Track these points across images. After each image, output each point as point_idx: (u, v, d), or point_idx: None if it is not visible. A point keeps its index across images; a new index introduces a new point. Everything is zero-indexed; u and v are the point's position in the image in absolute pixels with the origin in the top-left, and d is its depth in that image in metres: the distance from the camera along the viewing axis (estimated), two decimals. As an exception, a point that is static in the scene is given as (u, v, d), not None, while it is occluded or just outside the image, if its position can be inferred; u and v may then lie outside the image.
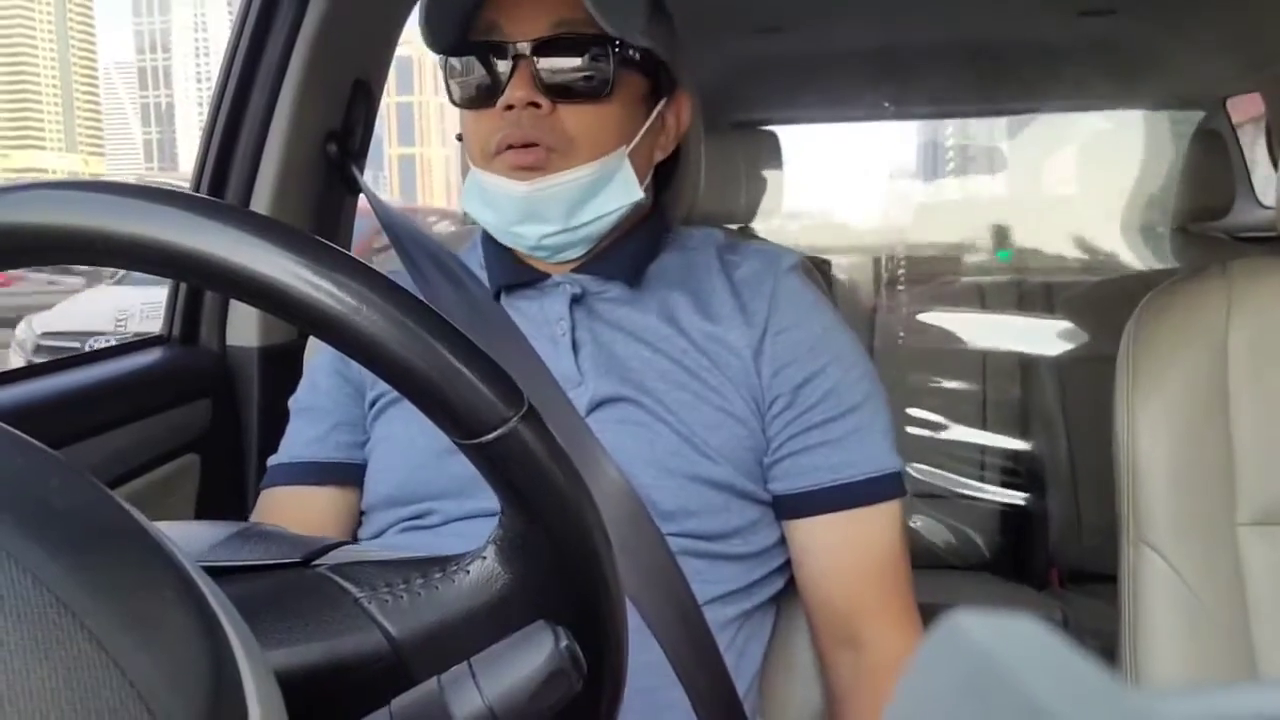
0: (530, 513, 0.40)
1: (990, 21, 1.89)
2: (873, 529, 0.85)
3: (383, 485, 0.86)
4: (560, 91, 0.81)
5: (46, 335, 5.49)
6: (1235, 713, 0.14)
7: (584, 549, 0.41)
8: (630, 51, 0.83)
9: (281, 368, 1.33)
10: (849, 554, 0.85)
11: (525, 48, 0.81)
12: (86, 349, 3.98)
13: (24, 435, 0.32)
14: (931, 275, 2.63)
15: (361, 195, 1.42)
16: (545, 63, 0.81)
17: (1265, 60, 1.97)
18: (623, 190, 0.84)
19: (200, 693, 0.26)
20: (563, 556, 0.41)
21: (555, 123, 0.81)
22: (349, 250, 0.45)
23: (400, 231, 0.95)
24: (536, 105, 0.81)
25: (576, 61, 0.82)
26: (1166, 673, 0.91)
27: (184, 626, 0.28)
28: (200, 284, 0.36)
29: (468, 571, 0.42)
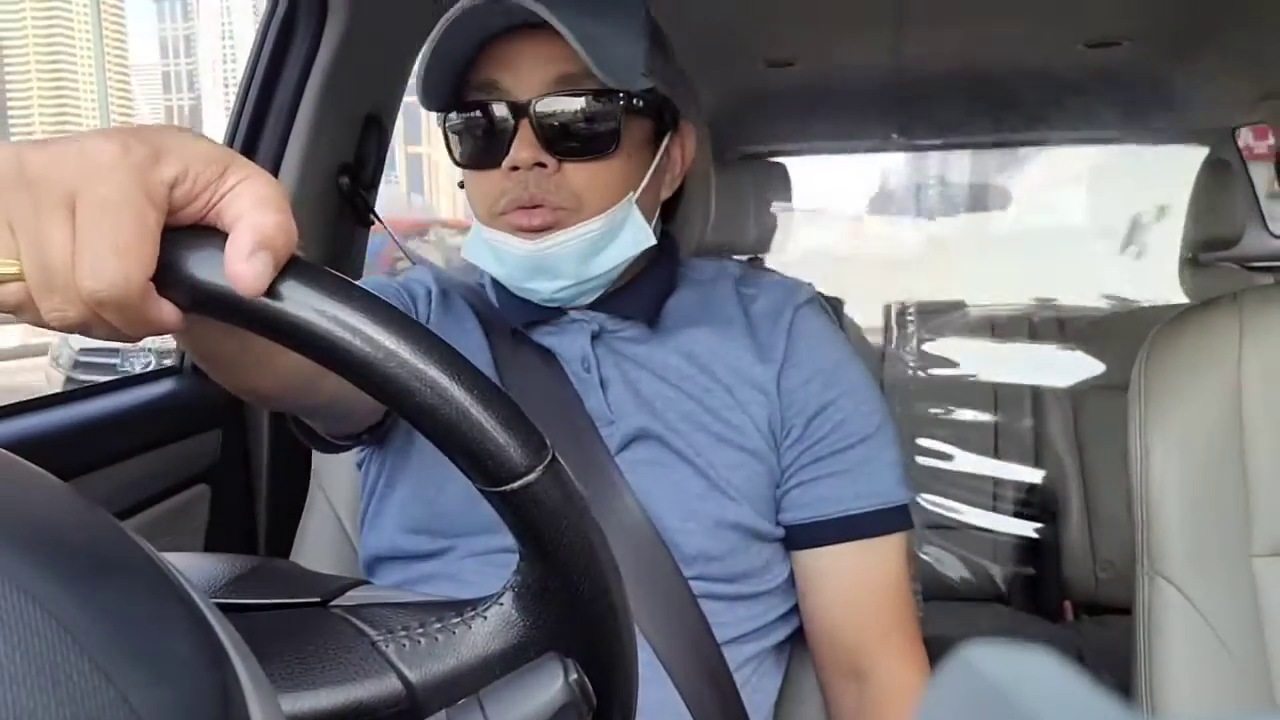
0: (550, 560, 0.40)
1: (998, 54, 1.90)
2: (879, 560, 0.85)
3: (413, 512, 0.84)
4: (566, 150, 0.80)
5: (84, 352, 5.51)
6: (1254, 748, 0.14)
7: (601, 594, 0.41)
8: (634, 99, 0.81)
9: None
10: (855, 585, 0.85)
11: (527, 104, 0.78)
12: (123, 365, 3.98)
13: (34, 466, 0.32)
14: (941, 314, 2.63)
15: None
16: (549, 120, 0.79)
17: (1274, 90, 1.97)
18: (633, 238, 0.83)
19: (207, 725, 0.26)
20: (579, 602, 0.41)
21: (562, 181, 0.80)
22: (359, 277, 0.45)
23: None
24: (543, 165, 0.79)
25: (581, 118, 0.79)
26: (1182, 706, 0.90)
27: (192, 660, 0.28)
28: (230, 321, 0.37)
29: (485, 617, 0.42)
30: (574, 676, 0.39)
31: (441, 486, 0.82)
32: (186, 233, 0.37)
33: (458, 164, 0.85)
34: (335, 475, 1.08)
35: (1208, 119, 2.37)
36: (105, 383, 1.19)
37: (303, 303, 0.36)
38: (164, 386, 1.26)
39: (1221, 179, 2.26)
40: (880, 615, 0.85)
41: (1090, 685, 0.13)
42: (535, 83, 0.79)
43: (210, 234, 0.37)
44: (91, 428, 1.07)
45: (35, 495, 0.30)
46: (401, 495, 0.85)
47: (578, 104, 0.79)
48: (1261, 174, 2.34)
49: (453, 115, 0.82)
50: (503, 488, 0.37)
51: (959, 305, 2.64)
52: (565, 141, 0.79)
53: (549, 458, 0.38)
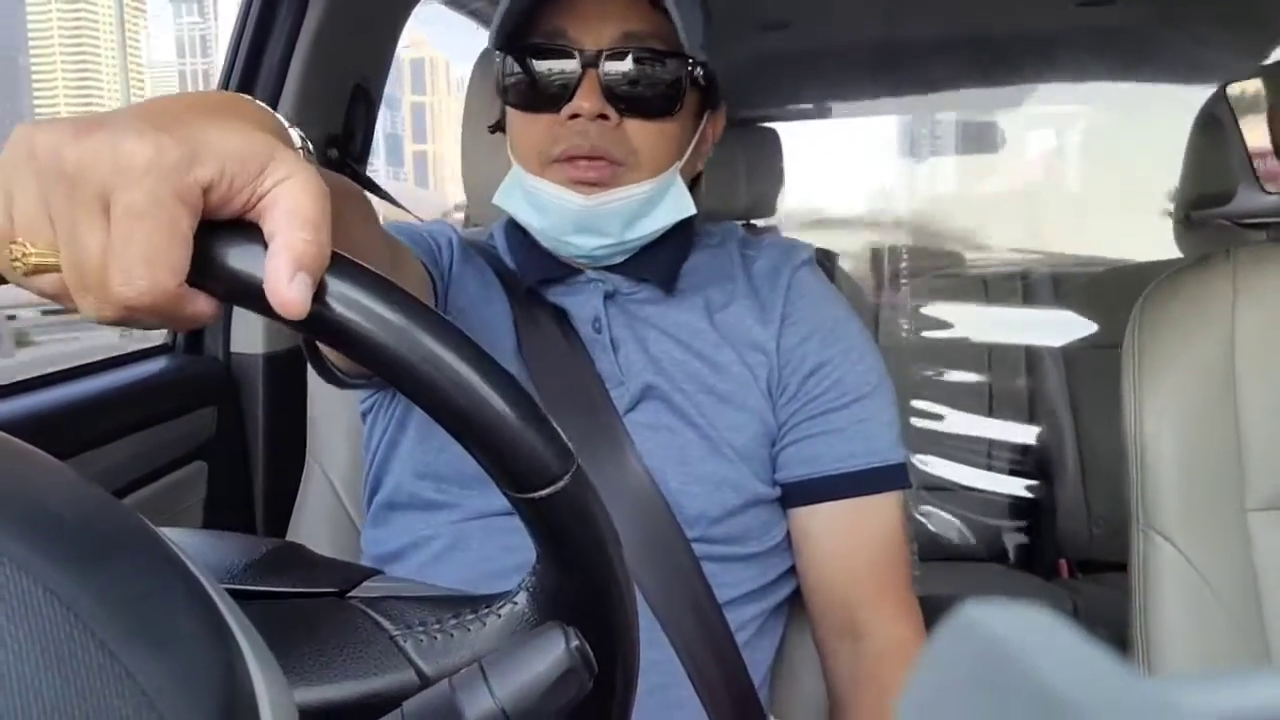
0: (566, 565, 0.41)
1: (991, 14, 1.89)
2: (874, 518, 0.85)
3: (423, 456, 0.84)
4: (630, 105, 0.80)
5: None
6: (1249, 699, 0.14)
7: (610, 587, 0.42)
8: (697, 70, 0.82)
9: (286, 374, 1.33)
10: (850, 542, 0.85)
11: (595, 55, 0.78)
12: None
13: (31, 446, 0.32)
14: (935, 266, 2.63)
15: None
16: (615, 74, 0.79)
17: (1267, 46, 1.96)
18: (675, 205, 0.84)
19: (213, 702, 0.27)
20: (591, 598, 0.42)
21: (622, 136, 0.80)
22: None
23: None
24: (605, 117, 0.79)
25: (648, 76, 0.80)
26: (1178, 660, 0.91)
27: (195, 634, 0.28)
28: (267, 315, 0.37)
29: (499, 615, 0.43)
30: (575, 644, 0.39)
31: (448, 441, 0.82)
32: (224, 227, 0.37)
33: (510, 104, 0.84)
34: (332, 449, 1.09)
35: (1200, 76, 2.36)
36: (98, 361, 1.19)
37: (342, 301, 0.36)
38: (157, 364, 1.26)
39: (1214, 136, 2.25)
40: (875, 573, 0.85)
41: (1087, 641, 0.13)
42: (604, 35, 0.79)
43: (249, 229, 0.37)
44: (87, 407, 1.07)
45: (33, 475, 0.30)
46: (412, 438, 0.85)
47: (647, 62, 0.80)
48: (1255, 130, 2.33)
49: (513, 57, 0.82)
50: (530, 495, 0.38)
51: (953, 255, 2.64)
52: (630, 97, 0.80)
53: (574, 466, 0.38)
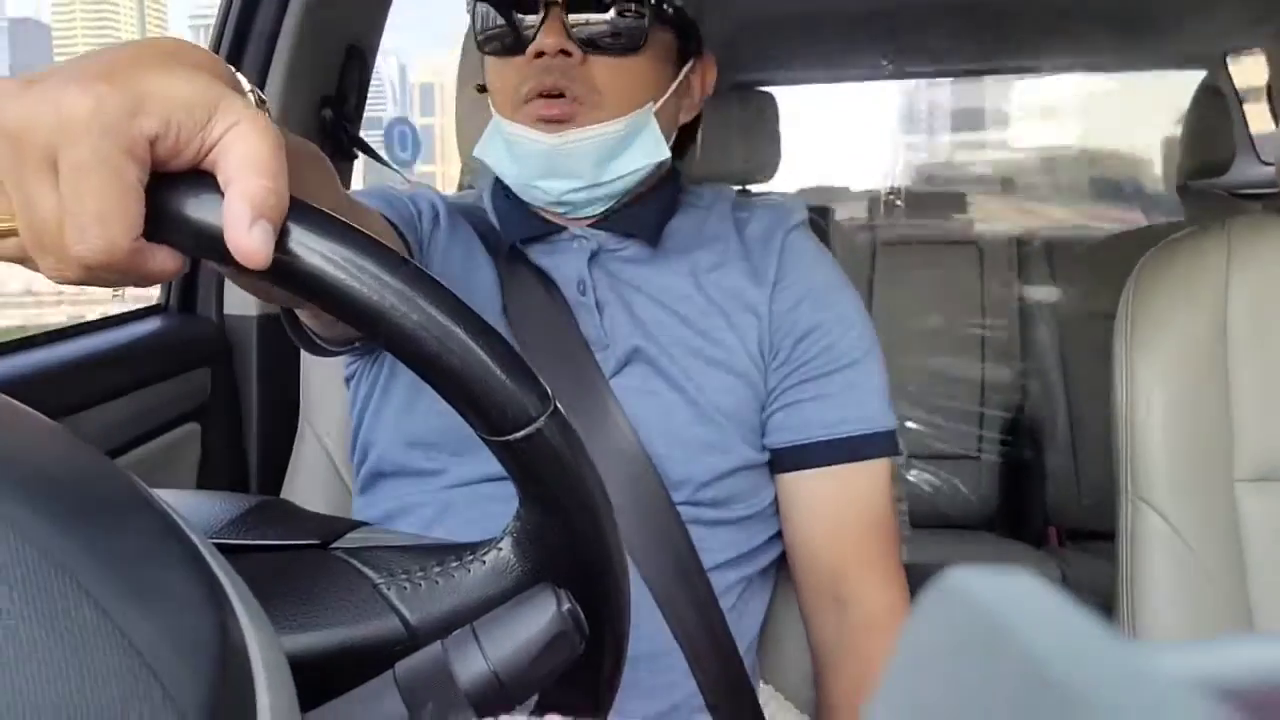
0: (549, 508, 0.41)
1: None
2: (863, 485, 0.85)
3: (409, 424, 0.84)
4: (592, 42, 0.80)
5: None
6: (1231, 666, 0.14)
7: (596, 534, 0.41)
8: (664, 6, 0.82)
9: (279, 336, 1.32)
10: (838, 509, 0.85)
11: None
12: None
13: (24, 406, 0.32)
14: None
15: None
16: (578, 12, 0.80)
17: (1266, 16, 1.95)
18: (649, 148, 0.84)
19: (206, 659, 0.27)
20: (577, 546, 0.41)
21: (585, 73, 0.80)
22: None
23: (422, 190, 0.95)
24: (567, 54, 0.79)
25: (610, 13, 0.80)
26: (1164, 628, 0.92)
27: (189, 594, 0.28)
28: (233, 264, 0.36)
29: (484, 561, 0.43)
30: (567, 606, 0.40)
31: (435, 399, 0.81)
32: (179, 179, 0.36)
33: (483, 51, 0.85)
34: (325, 412, 1.09)
35: (1201, 45, 2.34)
36: (90, 321, 1.18)
37: (306, 250, 0.36)
38: (150, 325, 1.25)
39: (1213, 106, 2.24)
40: (862, 540, 0.85)
41: (1074, 607, 0.13)
42: None
43: (203, 179, 0.36)
44: (80, 367, 1.07)
45: (26, 434, 0.30)
46: (396, 406, 0.85)
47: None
48: (1255, 104, 2.32)
49: (482, 3, 0.83)
50: (506, 437, 0.38)
51: (953, 196, 2.64)
52: (592, 33, 0.80)
53: (551, 408, 0.38)
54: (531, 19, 0.80)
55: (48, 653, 0.24)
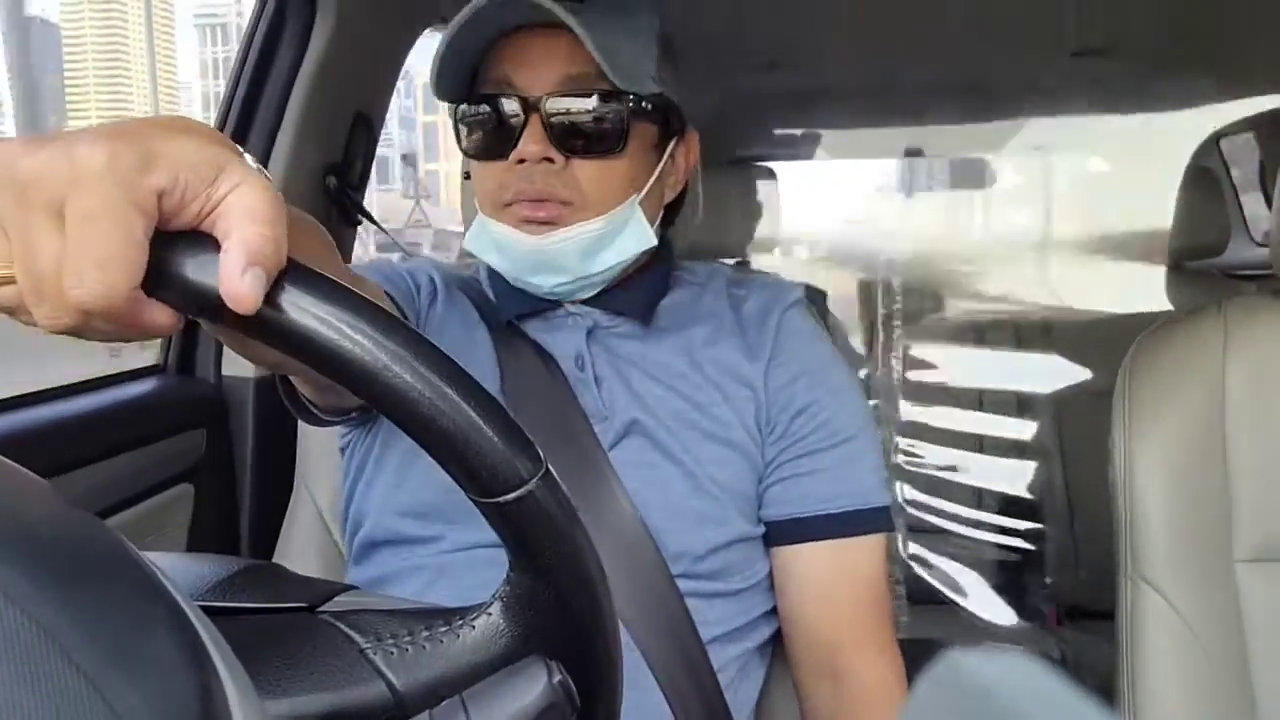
0: (540, 572, 0.40)
1: (985, 61, 1.91)
2: (857, 560, 0.86)
3: (402, 496, 0.84)
4: (574, 146, 0.81)
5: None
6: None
7: (589, 603, 0.41)
8: (643, 103, 0.83)
9: (277, 398, 1.32)
10: (832, 583, 0.85)
11: (538, 101, 0.80)
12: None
13: (13, 463, 0.32)
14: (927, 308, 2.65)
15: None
16: (558, 117, 0.80)
17: (1257, 97, 1.99)
18: (635, 238, 0.84)
19: (188, 726, 0.26)
20: (568, 612, 0.41)
21: (568, 177, 0.81)
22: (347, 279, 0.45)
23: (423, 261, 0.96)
24: (550, 160, 0.80)
25: (590, 116, 0.81)
26: (1165, 710, 0.90)
27: (173, 660, 0.28)
28: (228, 322, 0.37)
29: (473, 626, 0.42)
30: (558, 678, 0.39)
31: (429, 470, 0.81)
32: (180, 237, 0.37)
33: (466, 154, 0.86)
34: (320, 475, 1.08)
35: (1191, 127, 2.38)
36: (87, 381, 1.18)
37: (301, 309, 0.36)
38: (147, 385, 1.25)
39: (1205, 186, 2.27)
40: (857, 615, 0.85)
41: (1074, 690, 0.13)
42: (547, 80, 0.80)
43: (204, 239, 0.37)
44: (74, 426, 1.06)
45: (15, 493, 0.30)
46: (388, 478, 0.85)
47: (587, 103, 0.81)
48: (1247, 185, 2.35)
49: (464, 106, 0.84)
50: (496, 499, 0.37)
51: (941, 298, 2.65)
52: (573, 138, 0.81)
53: (543, 470, 0.38)
54: (512, 123, 0.81)
55: (26, 715, 0.24)
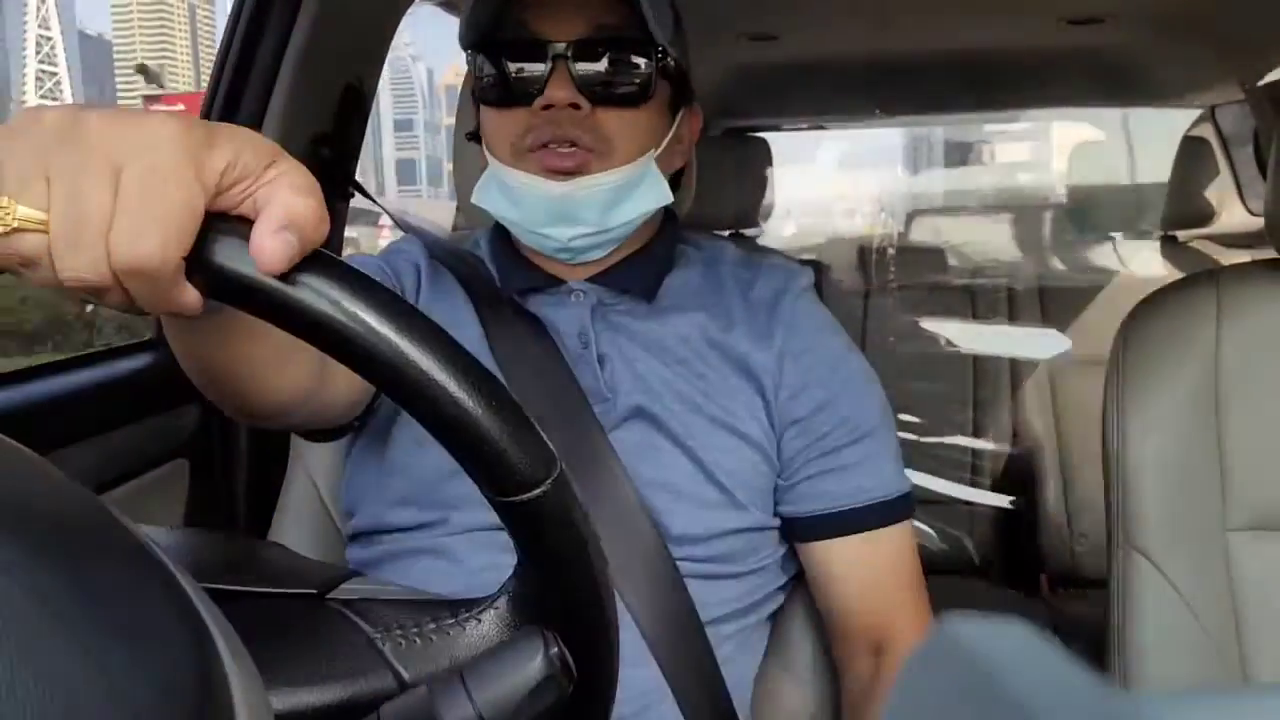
0: (549, 571, 0.41)
1: (981, 30, 1.90)
2: (888, 548, 0.87)
3: (403, 481, 0.84)
4: (600, 94, 0.81)
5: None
6: (1222, 717, 0.14)
7: (593, 597, 0.41)
8: (667, 59, 0.83)
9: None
10: (868, 572, 0.87)
11: (565, 48, 0.80)
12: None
13: (8, 439, 0.32)
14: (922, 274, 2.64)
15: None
16: (585, 64, 0.80)
17: (1253, 70, 1.98)
18: (653, 193, 0.84)
19: (187, 702, 0.26)
20: (573, 603, 0.42)
21: (594, 124, 0.81)
22: (340, 254, 0.45)
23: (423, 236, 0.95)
24: (576, 107, 0.80)
25: (619, 66, 0.81)
26: (1155, 677, 0.91)
27: (171, 634, 0.28)
28: (251, 310, 0.37)
29: (479, 620, 0.42)
30: (554, 650, 0.39)
31: (427, 457, 0.81)
32: (218, 218, 0.37)
33: (484, 102, 0.86)
34: (317, 452, 1.08)
35: (1187, 97, 2.38)
36: (80, 356, 1.18)
37: (326, 298, 0.36)
38: (141, 360, 1.25)
39: (1200, 156, 2.27)
40: (895, 598, 0.87)
41: (1065, 657, 0.13)
42: (573, 28, 0.80)
43: (241, 222, 0.37)
44: (68, 401, 1.06)
45: (11, 469, 0.30)
46: (388, 466, 0.84)
47: (616, 51, 0.81)
48: (1241, 154, 2.34)
49: (488, 52, 0.83)
50: (511, 498, 0.38)
51: (937, 250, 2.64)
52: (601, 86, 0.81)
53: (557, 472, 0.38)
54: (536, 70, 0.81)
55: (25, 691, 0.24)
